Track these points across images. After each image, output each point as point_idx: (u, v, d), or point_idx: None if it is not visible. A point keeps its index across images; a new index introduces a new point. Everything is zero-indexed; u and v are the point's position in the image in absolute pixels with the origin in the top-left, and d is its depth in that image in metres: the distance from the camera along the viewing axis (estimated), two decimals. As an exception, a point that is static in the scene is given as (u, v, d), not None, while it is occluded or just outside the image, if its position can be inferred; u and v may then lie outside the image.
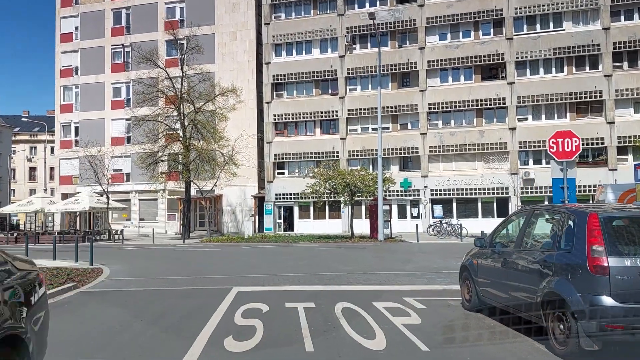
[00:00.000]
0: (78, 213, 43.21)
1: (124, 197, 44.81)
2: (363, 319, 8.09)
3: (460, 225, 28.82)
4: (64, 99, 46.77)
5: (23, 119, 61.52)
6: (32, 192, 65.32)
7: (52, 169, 54.55)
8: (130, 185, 44.34)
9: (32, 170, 69.32)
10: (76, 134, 46.08)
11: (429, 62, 36.76)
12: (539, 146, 34.97)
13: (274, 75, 39.81)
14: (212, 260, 19.61)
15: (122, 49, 45.11)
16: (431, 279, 12.74)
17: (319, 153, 38.40)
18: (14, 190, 68.22)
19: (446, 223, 31.69)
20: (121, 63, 45.07)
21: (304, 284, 12.12)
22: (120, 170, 44.98)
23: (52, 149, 53.97)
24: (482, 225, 34.52)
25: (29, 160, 69.08)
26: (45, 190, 49.97)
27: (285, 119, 39.60)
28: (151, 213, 44.69)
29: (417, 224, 30.12)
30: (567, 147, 12.05)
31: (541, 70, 35.67)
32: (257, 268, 15.95)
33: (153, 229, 34.18)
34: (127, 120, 42.67)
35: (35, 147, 68.14)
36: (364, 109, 37.85)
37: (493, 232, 8.43)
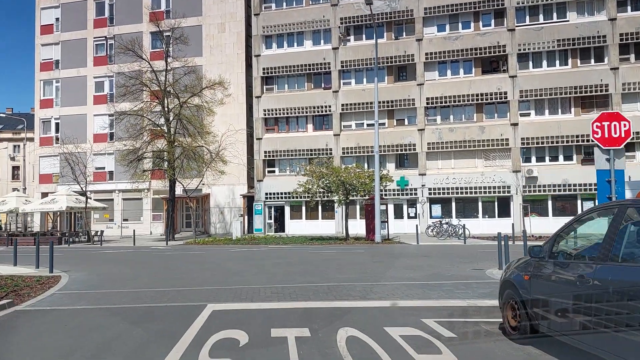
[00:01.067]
0: (59, 213, 40.60)
1: (106, 197, 42.27)
2: (377, 358, 5.77)
3: (464, 225, 26.59)
4: (44, 93, 44.06)
5: (1, 115, 58.56)
6: (16, 191, 62.26)
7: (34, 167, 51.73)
8: (114, 184, 41.79)
9: (16, 169, 66.27)
10: (57, 131, 43.41)
11: (426, 54, 34.55)
12: (543, 142, 32.91)
13: (264, 69, 37.43)
14: (191, 266, 17.21)
15: (105, 41, 42.52)
16: (448, 291, 10.45)
17: (311, 150, 36.09)
18: (-5, 190, 65.26)
19: (446, 223, 29.49)
20: (104, 56, 42.47)
21: (296, 298, 9.79)
22: (103, 168, 42.41)
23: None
24: (483, 225, 32.55)
25: (12, 159, 66.06)
26: (25, 189, 47.21)
27: (276, 114, 37.23)
28: (135, 213, 42.16)
29: (417, 225, 27.85)
30: (615, 133, 9.81)
31: (544, 62, 33.58)
32: (240, 276, 13.58)
33: (134, 230, 31.67)
34: (110, 116, 39.95)
35: (19, 146, 65.14)
36: (359, 104, 35.56)
37: (555, 237, 6.11)
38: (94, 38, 42.90)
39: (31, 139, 46.11)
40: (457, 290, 10.51)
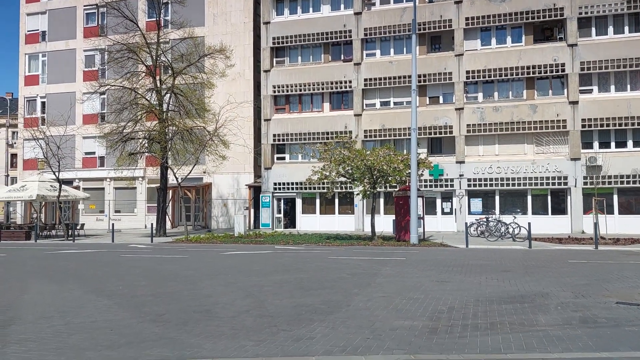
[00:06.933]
0: (43, 203, 34.37)
1: (97, 185, 36.09)
2: None
3: (529, 225, 19.60)
4: (29, 69, 37.75)
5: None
6: (13, 180, 56.36)
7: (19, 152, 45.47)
8: (105, 171, 35.40)
9: (14, 157, 60.40)
10: (43, 110, 37.18)
11: (467, 19, 27.72)
12: (608, 125, 26.03)
13: (274, 38, 30.79)
14: (142, 283, 10.71)
15: (96, 10, 36.00)
16: None
17: (327, 133, 29.40)
18: (-7, 178, 59.39)
19: (496, 220, 22.80)
20: (95, 26, 36.01)
21: None
22: (93, 153, 36.10)
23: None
24: (533, 223, 25.75)
25: (11, 146, 60.11)
26: (7, 176, 41.17)
27: (287, 91, 30.59)
28: (129, 204, 35.82)
29: (466, 223, 21.13)
30: None
31: (610, 28, 26.62)
32: (207, 321, 7.03)
33: (113, 225, 25.13)
34: (101, 94, 33.57)
35: (17, 132, 59.27)
36: (385, 79, 28.82)
37: None
38: (84, 6, 36.43)
39: (14, 125, 40.12)
40: None
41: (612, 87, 26.56)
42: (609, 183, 25.83)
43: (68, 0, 36.72)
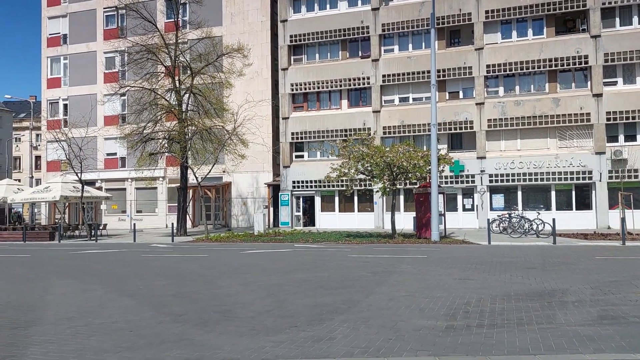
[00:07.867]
0: (67, 204, 34.86)
1: (119, 186, 36.49)
2: None
3: (553, 220, 19.12)
4: (51, 72, 38.36)
5: (5, 101, 53.50)
6: (38, 182, 57.44)
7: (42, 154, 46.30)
8: (126, 172, 35.80)
9: (38, 159, 61.61)
10: (65, 112, 37.70)
11: (487, 12, 27.25)
12: (634, 117, 25.38)
13: (291, 36, 30.70)
14: (163, 283, 10.70)
15: (115, 12, 36.40)
16: None
17: (345, 130, 29.19)
18: (18, 180, 60.63)
19: (518, 216, 22.36)
20: (115, 28, 36.36)
21: None
22: (115, 154, 36.49)
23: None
24: (557, 218, 25.23)
25: (35, 148, 61.29)
26: (32, 177, 41.92)
27: (305, 88, 30.48)
28: (150, 204, 36.15)
29: (488, 219, 20.79)
30: None
31: (635, 18, 25.94)
32: (230, 317, 6.92)
33: (134, 225, 25.34)
34: (122, 95, 34.01)
35: (41, 135, 60.43)
36: (403, 74, 28.52)
37: None
38: (104, 9, 36.88)
39: (38, 128, 40.96)
40: None
41: (638, 79, 25.88)
42: (635, 177, 25.21)
43: (88, 3, 37.21)
